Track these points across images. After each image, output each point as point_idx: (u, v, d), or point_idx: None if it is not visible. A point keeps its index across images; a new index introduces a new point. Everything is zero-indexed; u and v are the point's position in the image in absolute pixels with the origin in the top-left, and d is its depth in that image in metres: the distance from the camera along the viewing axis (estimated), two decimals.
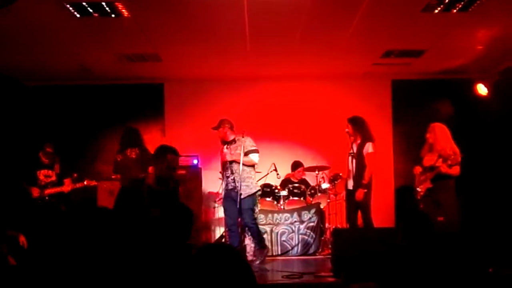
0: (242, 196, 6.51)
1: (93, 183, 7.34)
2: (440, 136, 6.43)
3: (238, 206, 6.50)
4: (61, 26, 6.34)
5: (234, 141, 6.73)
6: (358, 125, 6.97)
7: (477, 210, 7.19)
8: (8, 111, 8.46)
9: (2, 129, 8.26)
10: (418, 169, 6.56)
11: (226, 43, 7.12)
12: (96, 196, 7.96)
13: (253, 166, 6.76)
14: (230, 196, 6.64)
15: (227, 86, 9.11)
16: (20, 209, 6.70)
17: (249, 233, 6.85)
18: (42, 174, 7.14)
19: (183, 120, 8.33)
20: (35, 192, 7.02)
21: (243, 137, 6.73)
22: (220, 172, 6.98)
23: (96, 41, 7.01)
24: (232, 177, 6.63)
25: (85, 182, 7.21)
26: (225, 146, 6.74)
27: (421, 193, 6.45)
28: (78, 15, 5.96)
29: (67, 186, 7.11)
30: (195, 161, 8.58)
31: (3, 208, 7.34)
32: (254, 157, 6.70)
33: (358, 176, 6.83)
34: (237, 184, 6.55)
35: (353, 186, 6.88)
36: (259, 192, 7.02)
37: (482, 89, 8.39)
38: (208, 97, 9.16)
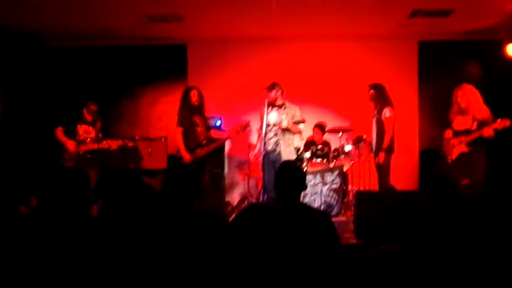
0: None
1: (131, 143, 7.35)
2: (473, 98, 6.31)
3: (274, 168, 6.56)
4: None
5: (283, 106, 6.76)
6: (378, 90, 7.16)
7: (505, 175, 7.09)
8: (34, 70, 8.56)
9: (30, 88, 8.38)
10: (449, 133, 6.49)
11: (250, 1, 7.01)
12: (137, 157, 7.99)
13: (296, 134, 6.91)
14: (269, 158, 6.72)
15: (250, 47, 9.03)
16: (43, 169, 6.77)
17: None
18: (82, 129, 7.16)
19: (206, 82, 8.29)
20: (72, 146, 7.01)
21: (291, 104, 6.84)
22: (258, 131, 6.96)
23: (118, 1, 6.95)
24: (275, 140, 6.70)
25: (123, 141, 7.24)
26: (273, 109, 6.77)
27: (452, 157, 6.38)
28: None
29: (112, 143, 7.09)
30: (218, 123, 8.59)
31: (26, 165, 7.47)
32: (301, 127, 6.90)
33: (379, 141, 6.93)
34: (278, 148, 6.70)
35: (374, 150, 6.98)
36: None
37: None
38: (231, 58, 9.10)
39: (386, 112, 6.94)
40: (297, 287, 3.09)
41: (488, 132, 6.04)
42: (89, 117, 7.19)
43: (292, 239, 3.22)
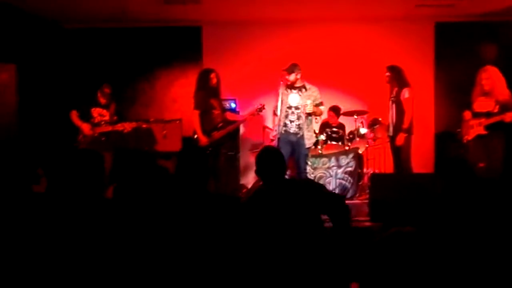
0: (306, 145, 6.63)
1: (145, 125, 7.37)
2: (498, 81, 6.22)
3: (296, 151, 6.60)
4: None
5: (304, 88, 6.69)
6: (396, 72, 7.06)
7: None
8: (49, 53, 8.61)
9: (45, 71, 8.43)
10: (468, 114, 6.41)
11: None
12: (152, 139, 8.00)
13: (318, 116, 6.86)
14: (289, 140, 6.63)
15: (265, 29, 8.99)
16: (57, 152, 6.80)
17: None
18: (96, 112, 7.19)
19: (221, 64, 8.25)
20: (86, 128, 7.02)
21: (311, 86, 6.75)
22: (274, 113, 6.93)
23: None
24: (297, 123, 6.64)
25: (137, 123, 7.20)
26: (293, 90, 6.69)
27: (469, 138, 6.32)
28: None
29: (126, 125, 7.06)
30: (233, 105, 8.58)
31: (41, 146, 7.52)
32: (322, 109, 6.83)
33: (399, 122, 6.89)
34: (301, 132, 6.62)
35: (393, 132, 6.95)
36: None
37: None
38: (246, 40, 9.08)
39: (406, 93, 6.88)
40: (305, 261, 3.16)
41: (510, 117, 5.94)
42: (103, 100, 7.19)
43: (290, 214, 3.34)
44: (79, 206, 2.90)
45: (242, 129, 8.76)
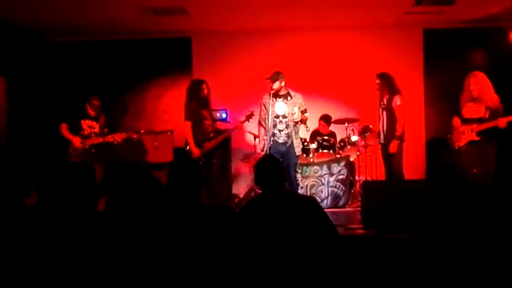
0: (296, 154, 6.59)
1: (135, 135, 7.33)
2: (486, 86, 6.23)
3: (286, 160, 6.50)
4: None
5: (289, 95, 6.67)
6: (386, 79, 7.09)
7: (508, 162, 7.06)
8: (38, 67, 8.59)
9: (34, 85, 8.41)
10: (457, 121, 6.41)
11: None
12: (143, 150, 7.98)
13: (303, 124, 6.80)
14: (278, 150, 6.55)
15: (255, 39, 9.01)
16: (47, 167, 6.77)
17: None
18: (86, 124, 7.16)
19: (211, 74, 8.27)
20: (77, 141, 7.00)
21: (295, 93, 6.72)
22: (261, 125, 6.90)
23: None
24: (286, 132, 6.61)
25: (127, 134, 7.17)
26: (279, 99, 6.63)
27: (460, 144, 6.32)
28: None
29: (116, 137, 7.04)
30: (224, 115, 8.59)
31: (32, 159, 7.48)
32: (307, 115, 6.75)
33: (391, 129, 6.92)
34: (290, 140, 6.57)
35: (384, 139, 6.97)
36: None
37: None
38: (236, 50, 9.10)
39: (397, 100, 6.91)
40: (298, 273, 3.14)
41: (503, 123, 5.96)
42: (92, 112, 7.18)
43: (287, 226, 3.31)
44: (71, 219, 2.88)
45: (233, 139, 8.75)
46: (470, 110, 6.28)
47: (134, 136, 7.26)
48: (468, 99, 6.32)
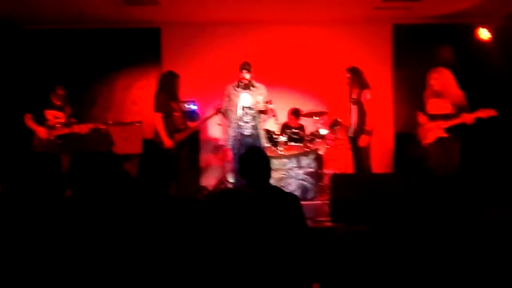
0: (264, 145, 6.64)
1: (103, 126, 7.21)
2: (449, 82, 6.25)
3: None
4: None
5: (253, 86, 6.64)
6: (356, 74, 7.12)
7: (476, 157, 7.16)
8: (3, 53, 8.41)
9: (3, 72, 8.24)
10: (422, 118, 6.43)
11: None
12: (110, 141, 7.87)
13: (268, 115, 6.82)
14: (246, 142, 6.55)
15: (225, 30, 8.98)
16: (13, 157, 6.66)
17: None
18: (51, 115, 7.04)
19: (181, 65, 8.20)
20: (42, 132, 6.89)
21: (258, 84, 6.72)
22: (224, 116, 6.89)
23: None
24: (252, 124, 6.59)
25: (95, 125, 7.08)
26: (243, 90, 6.61)
27: (428, 141, 6.35)
28: None
29: (81, 127, 6.96)
30: (193, 106, 8.54)
31: None
32: (271, 107, 6.76)
33: (360, 123, 6.98)
34: (255, 132, 6.61)
35: (354, 133, 7.03)
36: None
37: (484, 34, 8.25)
38: (206, 41, 9.05)
39: (367, 95, 6.94)
40: (268, 268, 3.12)
41: (471, 119, 5.98)
42: (57, 102, 7.05)
43: (262, 222, 3.27)
44: (37, 210, 2.83)
45: (202, 131, 8.71)
46: (434, 106, 6.30)
47: (102, 127, 7.15)
48: (431, 94, 6.34)
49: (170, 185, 3.32)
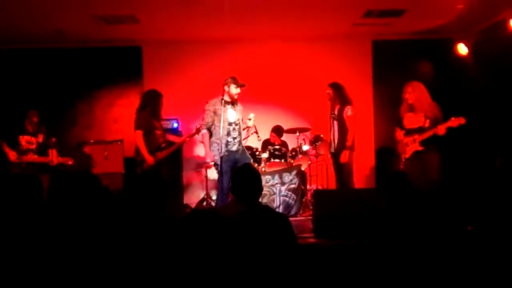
0: (247, 160, 6.64)
1: (71, 162, 7.17)
2: (422, 95, 6.25)
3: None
4: None
5: (236, 103, 6.66)
6: (338, 89, 7.13)
7: (456, 170, 7.21)
8: None
9: None
10: (400, 134, 6.41)
11: (205, 4, 6.99)
12: (91, 162, 7.81)
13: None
14: (233, 158, 6.49)
15: (206, 48, 8.99)
16: None
17: None
18: (24, 140, 7.02)
19: (162, 83, 8.17)
20: (13, 155, 6.88)
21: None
22: (198, 130, 6.88)
23: (72, 2, 6.81)
24: (238, 139, 6.58)
25: (70, 162, 7.11)
26: (227, 106, 6.55)
27: (406, 156, 6.33)
28: None
29: (54, 158, 6.96)
30: (175, 124, 8.53)
31: None
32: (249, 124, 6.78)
33: (342, 139, 6.99)
34: (240, 147, 6.60)
35: (335, 149, 7.05)
36: None
37: (462, 49, 8.37)
38: (187, 59, 9.06)
39: (348, 111, 6.96)
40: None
41: (442, 130, 5.97)
42: (30, 128, 7.08)
43: (250, 245, 3.23)
44: (19, 229, 2.81)
45: (184, 149, 8.69)
46: (410, 120, 6.28)
47: (70, 162, 7.15)
48: (406, 109, 6.34)
49: (162, 204, 3.31)
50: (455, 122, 5.95)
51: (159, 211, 3.57)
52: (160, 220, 3.19)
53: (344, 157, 6.93)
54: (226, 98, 6.54)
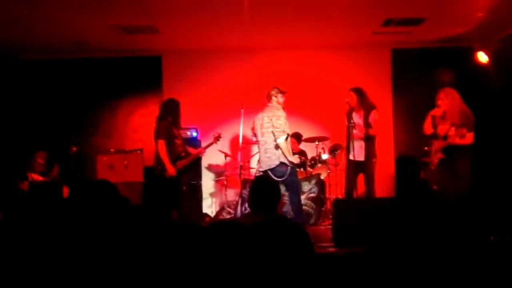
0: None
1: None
2: (454, 101, 6.08)
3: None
4: None
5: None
6: (361, 95, 7.01)
7: (481, 178, 7.11)
8: (4, 86, 8.46)
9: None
10: (434, 142, 6.25)
11: (224, 13, 7.02)
12: (95, 169, 7.89)
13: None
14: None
15: (225, 57, 9.04)
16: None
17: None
18: (33, 176, 7.17)
19: (181, 93, 8.24)
20: (24, 186, 7.09)
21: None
22: (256, 141, 6.98)
23: (92, 12, 6.89)
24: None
25: None
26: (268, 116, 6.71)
27: (435, 164, 6.19)
28: None
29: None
30: (195, 133, 8.55)
31: None
32: None
33: (370, 146, 6.89)
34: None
35: (365, 157, 6.90)
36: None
37: (482, 57, 8.32)
38: (206, 68, 9.11)
39: (375, 115, 6.90)
40: None
41: (454, 139, 5.93)
42: (39, 168, 7.23)
43: (267, 255, 3.22)
44: (41, 237, 2.83)
45: (204, 158, 8.71)
46: (441, 127, 6.15)
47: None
48: (439, 116, 6.20)
49: (171, 212, 3.31)
50: (461, 141, 5.89)
51: (177, 217, 3.58)
52: (178, 228, 3.20)
53: (373, 165, 6.87)
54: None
